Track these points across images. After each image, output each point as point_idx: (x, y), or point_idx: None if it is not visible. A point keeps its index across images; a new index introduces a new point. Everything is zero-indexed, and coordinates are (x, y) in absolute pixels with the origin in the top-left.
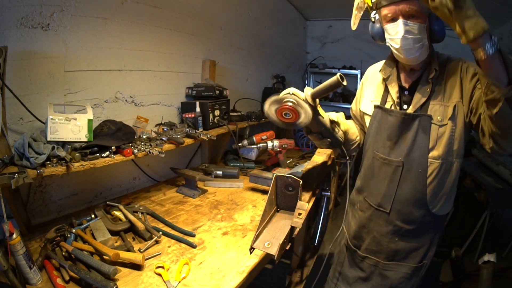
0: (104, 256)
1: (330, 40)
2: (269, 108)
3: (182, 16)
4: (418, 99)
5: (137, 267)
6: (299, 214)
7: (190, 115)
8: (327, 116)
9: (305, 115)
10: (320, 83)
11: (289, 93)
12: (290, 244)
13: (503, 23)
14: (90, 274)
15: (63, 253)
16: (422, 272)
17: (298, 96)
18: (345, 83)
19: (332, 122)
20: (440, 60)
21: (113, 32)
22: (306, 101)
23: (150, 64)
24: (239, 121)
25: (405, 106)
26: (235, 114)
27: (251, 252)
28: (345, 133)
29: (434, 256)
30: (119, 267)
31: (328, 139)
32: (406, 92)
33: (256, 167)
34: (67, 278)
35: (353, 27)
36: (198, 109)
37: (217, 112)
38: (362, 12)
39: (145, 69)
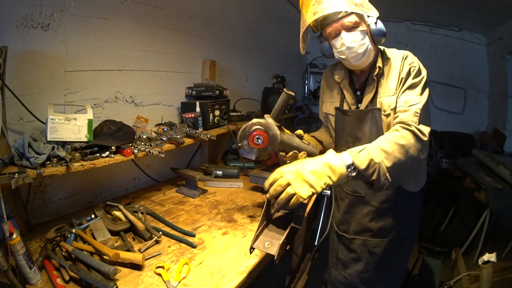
0: (104, 256)
1: None
2: (241, 141)
3: (182, 16)
4: (367, 96)
5: (137, 267)
6: (299, 214)
7: (190, 115)
8: (293, 134)
9: (274, 134)
10: (320, 83)
11: (253, 123)
12: (288, 246)
13: (503, 23)
14: (90, 274)
15: (63, 253)
16: (409, 246)
17: (261, 121)
18: (292, 93)
19: (300, 137)
20: (384, 57)
21: (113, 32)
22: (269, 122)
23: (150, 64)
24: (239, 121)
25: (359, 105)
26: (235, 114)
27: (251, 252)
28: (320, 144)
29: (434, 256)
30: (119, 267)
31: (304, 153)
32: (358, 93)
33: (256, 167)
34: (67, 278)
35: (303, 51)
36: (198, 109)
37: (217, 112)
38: (308, 36)
39: (145, 69)
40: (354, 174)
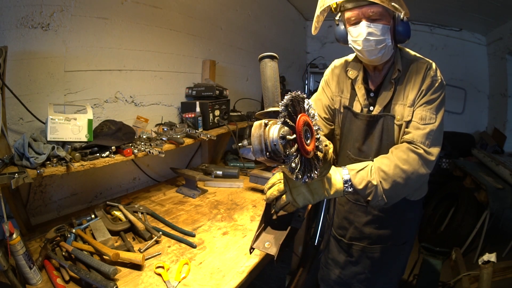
0: (104, 256)
1: (330, 40)
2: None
3: (182, 16)
4: (382, 100)
5: (137, 267)
6: (299, 214)
7: (190, 115)
8: None
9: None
10: (320, 82)
11: (284, 105)
12: (287, 249)
13: (503, 23)
14: (90, 274)
15: (63, 253)
16: (408, 249)
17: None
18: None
19: None
20: (404, 60)
21: (113, 32)
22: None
23: (150, 64)
24: (239, 121)
25: (371, 108)
26: (235, 114)
27: (251, 252)
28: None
29: (434, 256)
30: (119, 267)
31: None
32: (372, 94)
33: (256, 167)
34: (67, 278)
35: (314, 32)
36: (198, 109)
37: (217, 112)
38: (325, 15)
39: (145, 69)
40: (350, 190)
